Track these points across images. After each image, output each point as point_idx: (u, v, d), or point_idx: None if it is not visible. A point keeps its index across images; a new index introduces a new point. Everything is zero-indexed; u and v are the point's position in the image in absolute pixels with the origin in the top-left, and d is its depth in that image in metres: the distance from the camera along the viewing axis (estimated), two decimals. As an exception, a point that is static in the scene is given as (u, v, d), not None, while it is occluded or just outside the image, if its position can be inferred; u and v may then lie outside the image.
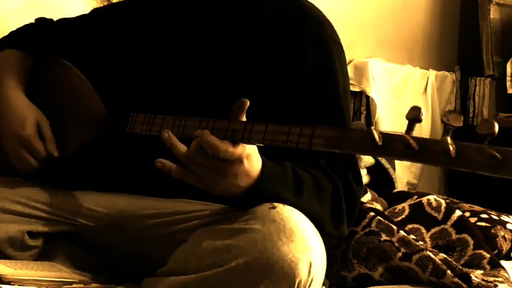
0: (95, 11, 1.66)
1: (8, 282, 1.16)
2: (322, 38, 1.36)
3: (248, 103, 1.09)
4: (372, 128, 0.93)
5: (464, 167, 0.86)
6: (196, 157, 1.09)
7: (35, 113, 1.41)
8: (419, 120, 0.91)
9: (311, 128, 1.01)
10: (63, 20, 1.61)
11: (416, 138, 0.89)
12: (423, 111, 0.91)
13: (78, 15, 1.64)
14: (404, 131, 0.91)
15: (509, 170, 0.83)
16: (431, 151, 0.88)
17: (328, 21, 1.40)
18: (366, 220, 1.61)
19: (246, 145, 1.09)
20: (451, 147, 0.86)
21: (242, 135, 1.07)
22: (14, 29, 1.60)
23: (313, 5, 1.42)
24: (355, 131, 0.97)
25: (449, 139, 0.87)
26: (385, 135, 0.92)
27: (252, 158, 1.11)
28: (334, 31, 1.41)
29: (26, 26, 1.59)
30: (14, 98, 1.42)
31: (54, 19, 1.62)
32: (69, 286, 1.24)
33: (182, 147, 1.11)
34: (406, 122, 0.92)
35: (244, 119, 1.10)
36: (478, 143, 0.85)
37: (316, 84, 1.33)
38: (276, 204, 1.13)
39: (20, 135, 1.37)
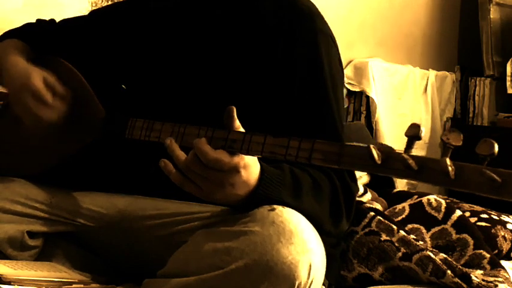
0: (93, 13, 1.66)
1: (8, 282, 1.16)
2: (311, 30, 1.35)
3: (235, 109, 1.08)
4: (372, 146, 0.92)
5: (464, 189, 0.86)
6: (193, 166, 1.08)
7: (40, 69, 1.40)
8: (419, 138, 0.90)
9: (310, 142, 1.01)
10: (63, 21, 1.61)
11: (415, 158, 0.89)
12: (422, 128, 0.90)
13: (77, 15, 1.64)
14: (403, 149, 0.91)
15: (509, 193, 0.82)
16: (431, 171, 0.88)
17: (320, 14, 1.39)
18: (366, 220, 1.61)
19: (244, 155, 1.08)
20: (450, 169, 0.86)
21: (241, 146, 1.07)
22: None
23: (308, 1, 1.41)
24: (354, 147, 0.96)
25: (448, 160, 0.86)
26: (384, 154, 0.92)
27: (250, 168, 1.10)
28: (325, 23, 1.39)
29: (26, 24, 1.60)
30: (19, 62, 1.42)
31: (55, 19, 1.62)
32: (69, 286, 1.24)
33: (181, 155, 1.10)
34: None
35: (237, 124, 1.09)
36: (478, 163, 0.84)
37: (304, 78, 1.33)
38: (275, 206, 1.13)
39: (28, 87, 1.36)
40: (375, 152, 0.92)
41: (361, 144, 0.96)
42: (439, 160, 0.87)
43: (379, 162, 0.91)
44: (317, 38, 1.35)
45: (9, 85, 1.42)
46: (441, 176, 0.86)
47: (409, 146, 0.90)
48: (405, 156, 0.89)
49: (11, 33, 1.57)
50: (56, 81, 1.38)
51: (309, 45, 1.34)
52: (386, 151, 0.92)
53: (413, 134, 0.90)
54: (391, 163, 0.91)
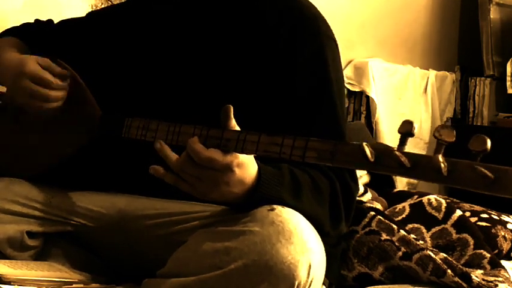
0: (91, 14, 1.66)
1: (8, 282, 1.16)
2: (315, 33, 1.36)
3: (231, 108, 1.08)
4: (364, 143, 0.92)
5: (457, 185, 0.86)
6: (185, 166, 1.08)
7: (33, 56, 1.39)
8: (412, 135, 0.90)
9: (304, 141, 1.01)
10: (61, 22, 1.62)
11: (408, 155, 0.89)
12: (415, 124, 0.90)
13: (76, 16, 1.64)
14: (396, 146, 0.91)
15: (501, 189, 0.82)
16: (424, 168, 0.88)
17: (323, 17, 1.40)
18: (367, 219, 1.62)
19: (238, 154, 1.08)
20: (442, 165, 0.86)
21: (235, 145, 1.07)
22: (13, 29, 1.61)
23: (308, 3, 1.42)
24: (348, 145, 0.97)
25: (440, 157, 0.86)
26: (377, 151, 0.92)
27: (245, 166, 1.10)
28: (329, 27, 1.40)
29: (24, 24, 1.60)
30: (13, 55, 1.43)
31: (53, 20, 1.62)
32: (69, 286, 1.24)
33: (173, 156, 1.11)
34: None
35: (233, 123, 1.09)
36: (471, 159, 0.84)
37: (309, 80, 1.33)
38: (274, 206, 1.12)
39: (25, 74, 1.35)
40: (367, 150, 0.92)
41: (354, 142, 0.96)
42: (432, 157, 0.87)
43: (372, 159, 0.91)
44: (322, 41, 1.36)
45: (5, 79, 1.41)
46: (434, 173, 0.86)
47: (402, 142, 0.90)
48: (398, 153, 0.89)
49: (9, 32, 1.57)
50: (51, 63, 1.38)
51: (314, 47, 1.35)
52: (379, 148, 0.92)
53: (406, 130, 0.90)
54: (384, 160, 0.91)
